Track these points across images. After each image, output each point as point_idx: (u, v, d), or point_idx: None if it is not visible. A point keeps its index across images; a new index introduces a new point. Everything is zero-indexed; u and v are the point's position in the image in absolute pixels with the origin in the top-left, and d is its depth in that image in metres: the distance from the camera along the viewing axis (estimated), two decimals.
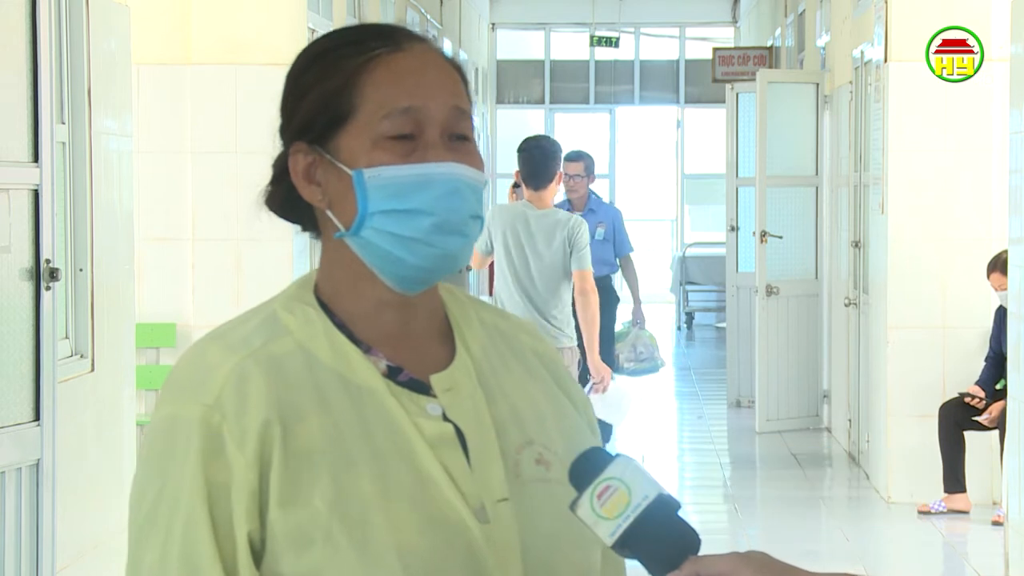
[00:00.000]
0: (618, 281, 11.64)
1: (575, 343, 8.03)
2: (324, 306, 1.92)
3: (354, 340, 1.90)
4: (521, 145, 8.28)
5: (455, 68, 1.94)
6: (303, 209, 1.95)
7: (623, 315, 11.44)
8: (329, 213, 1.91)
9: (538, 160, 8.08)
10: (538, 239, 8.03)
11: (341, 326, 1.91)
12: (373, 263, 1.90)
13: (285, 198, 1.96)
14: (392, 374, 1.89)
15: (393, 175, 1.87)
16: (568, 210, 10.32)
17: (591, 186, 11.03)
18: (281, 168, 1.95)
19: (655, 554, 1.75)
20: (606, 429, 8.32)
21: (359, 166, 1.87)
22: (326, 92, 1.89)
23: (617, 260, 11.09)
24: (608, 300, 10.34)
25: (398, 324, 1.92)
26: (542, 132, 23.25)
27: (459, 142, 1.91)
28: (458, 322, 1.98)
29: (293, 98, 1.93)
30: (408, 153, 1.87)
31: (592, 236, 10.07)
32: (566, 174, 10.55)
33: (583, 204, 10.88)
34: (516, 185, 10.30)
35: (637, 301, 11.13)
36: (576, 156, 10.91)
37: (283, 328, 1.89)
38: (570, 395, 2.03)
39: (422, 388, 1.90)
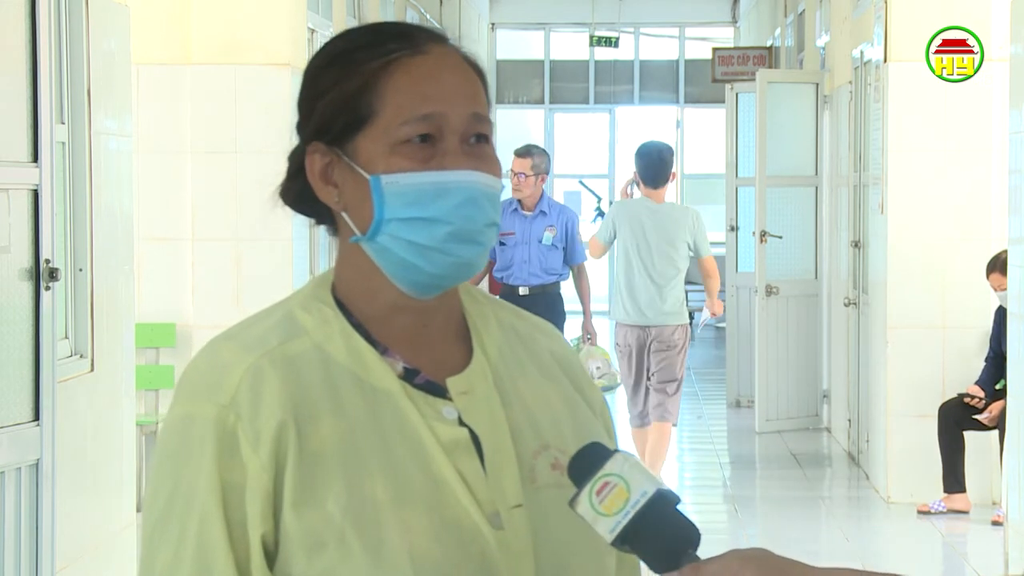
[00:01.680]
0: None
1: (687, 321, 9.68)
2: (341, 306, 1.91)
3: (371, 341, 1.89)
4: (640, 149, 9.67)
5: (475, 70, 1.92)
6: (318, 203, 1.93)
7: (572, 330, 11.00)
8: (345, 216, 1.90)
9: (656, 163, 9.55)
10: (656, 229, 9.51)
11: (358, 326, 1.89)
12: (388, 269, 1.88)
13: (300, 192, 1.94)
14: (408, 376, 1.88)
15: (411, 182, 1.85)
16: (515, 211, 9.96)
17: (544, 184, 10.12)
18: (297, 163, 1.93)
19: (655, 549, 1.74)
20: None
21: (377, 171, 1.86)
22: (345, 94, 1.88)
23: (570, 268, 10.08)
24: (555, 311, 9.83)
25: (414, 326, 1.91)
26: (543, 133, 23.35)
27: (477, 145, 1.89)
28: (475, 323, 1.96)
29: (311, 97, 1.91)
30: (426, 159, 1.86)
31: (539, 241, 9.95)
32: (512, 171, 9.93)
33: (533, 204, 10.00)
34: (633, 183, 10.11)
35: (588, 314, 10.20)
36: (524, 152, 10.03)
37: (300, 328, 1.88)
38: (587, 397, 2.01)
39: (438, 391, 1.88)
